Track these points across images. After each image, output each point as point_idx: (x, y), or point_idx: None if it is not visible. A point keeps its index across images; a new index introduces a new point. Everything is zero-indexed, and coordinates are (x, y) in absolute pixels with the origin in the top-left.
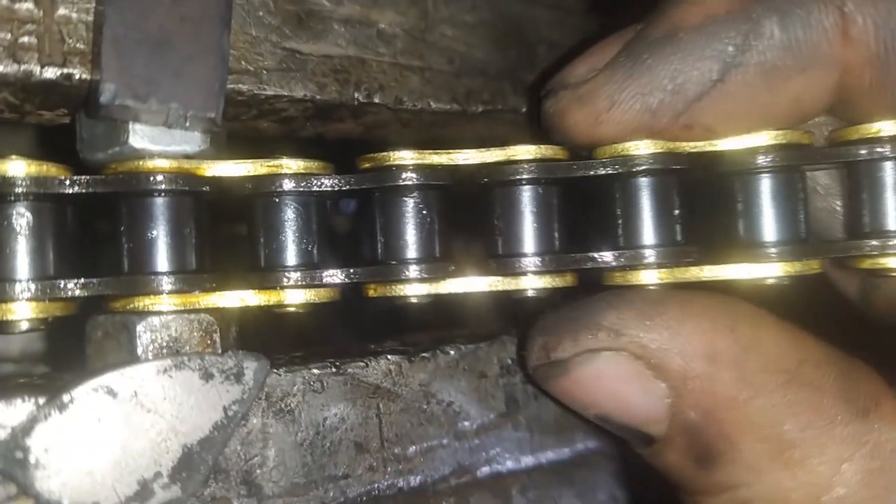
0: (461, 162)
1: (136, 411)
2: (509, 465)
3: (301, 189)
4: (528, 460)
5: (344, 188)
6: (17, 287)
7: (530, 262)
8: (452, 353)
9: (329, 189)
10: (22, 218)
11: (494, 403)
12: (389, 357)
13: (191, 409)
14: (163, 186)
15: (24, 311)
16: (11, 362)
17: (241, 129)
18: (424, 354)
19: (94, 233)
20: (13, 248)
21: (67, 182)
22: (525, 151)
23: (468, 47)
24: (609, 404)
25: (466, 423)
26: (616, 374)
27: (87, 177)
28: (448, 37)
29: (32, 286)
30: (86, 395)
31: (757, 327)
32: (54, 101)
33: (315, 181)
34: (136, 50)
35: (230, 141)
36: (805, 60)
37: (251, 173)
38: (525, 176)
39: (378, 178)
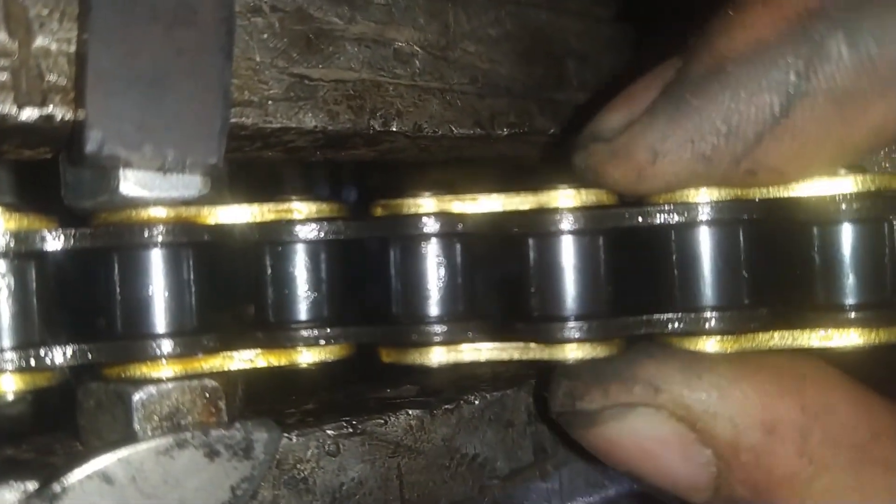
0: (489, 210)
1: (135, 498)
2: None
3: (312, 238)
4: None
5: (356, 236)
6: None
7: (571, 327)
8: (477, 402)
9: (342, 238)
10: (1, 279)
11: (522, 454)
12: (410, 412)
13: (195, 491)
14: (159, 238)
15: (6, 383)
16: None
17: (242, 158)
18: (447, 406)
19: (84, 287)
20: None
21: (52, 236)
22: (565, 196)
23: (492, 64)
24: (643, 466)
25: (493, 477)
26: (653, 435)
27: (74, 230)
28: (471, 53)
29: (15, 356)
30: (79, 484)
31: (829, 391)
32: (34, 142)
33: (327, 228)
34: (125, 88)
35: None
36: (884, 81)
37: (257, 219)
38: (565, 227)
39: (394, 227)
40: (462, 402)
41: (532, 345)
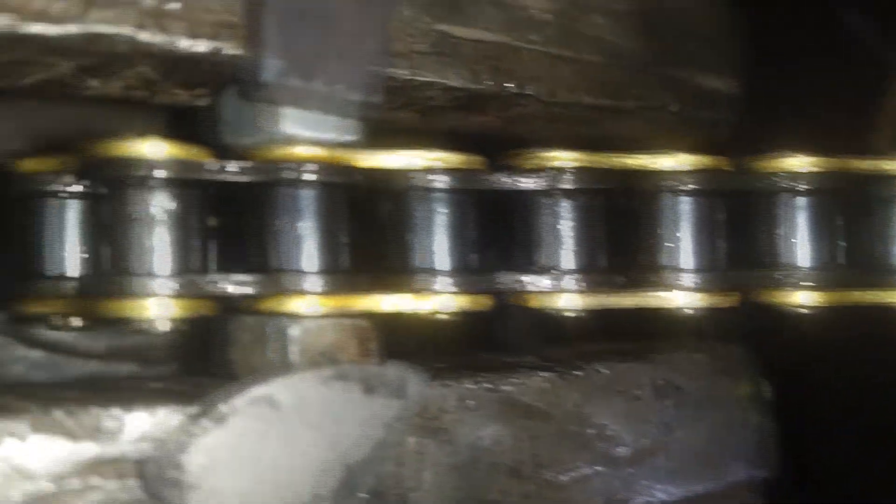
0: (633, 166)
1: (299, 426)
2: (660, 496)
3: (465, 186)
4: (678, 493)
5: (508, 188)
6: (156, 282)
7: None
8: (607, 372)
9: (495, 188)
10: (164, 205)
11: (647, 429)
12: (542, 374)
13: (353, 425)
14: (319, 176)
15: (166, 308)
16: (99, 359)
17: (374, 117)
18: (578, 373)
19: (241, 220)
20: (152, 238)
21: (218, 168)
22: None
23: (617, 38)
24: None
25: (620, 450)
26: None
27: (244, 163)
28: (598, 25)
29: (176, 281)
30: (247, 407)
31: None
32: (196, 79)
33: (480, 177)
34: (298, 25)
35: None
36: None
37: (408, 166)
38: (677, 185)
39: (545, 180)
40: (592, 369)
41: (661, 293)
